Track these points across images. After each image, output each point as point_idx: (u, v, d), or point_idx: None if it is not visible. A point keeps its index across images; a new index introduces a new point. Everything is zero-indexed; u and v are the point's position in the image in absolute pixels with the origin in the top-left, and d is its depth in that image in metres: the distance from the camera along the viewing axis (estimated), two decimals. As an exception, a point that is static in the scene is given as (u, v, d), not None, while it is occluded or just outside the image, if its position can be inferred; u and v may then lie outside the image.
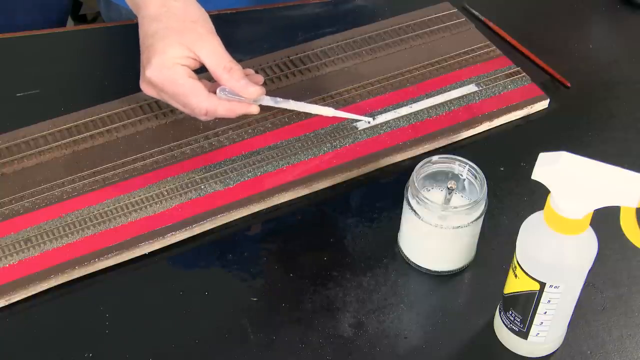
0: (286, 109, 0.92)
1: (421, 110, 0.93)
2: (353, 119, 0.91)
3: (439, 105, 0.93)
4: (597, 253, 0.66)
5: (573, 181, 0.60)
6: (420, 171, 0.77)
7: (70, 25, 1.27)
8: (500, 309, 0.73)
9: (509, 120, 0.94)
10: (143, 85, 0.82)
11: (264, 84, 0.88)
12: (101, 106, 0.92)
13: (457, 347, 0.75)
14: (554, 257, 0.65)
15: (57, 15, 1.28)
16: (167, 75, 0.80)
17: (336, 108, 0.92)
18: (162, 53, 0.79)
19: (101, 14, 1.20)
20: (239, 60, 0.97)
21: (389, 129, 0.91)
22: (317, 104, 0.93)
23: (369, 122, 0.90)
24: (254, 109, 0.84)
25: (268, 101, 0.86)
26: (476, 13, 1.07)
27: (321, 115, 0.90)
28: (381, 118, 0.92)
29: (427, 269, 0.80)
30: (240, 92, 0.82)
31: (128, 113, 0.91)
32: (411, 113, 0.92)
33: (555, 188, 0.62)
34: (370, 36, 1.01)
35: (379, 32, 1.02)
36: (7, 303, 0.76)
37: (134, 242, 0.80)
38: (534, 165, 0.62)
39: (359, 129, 0.90)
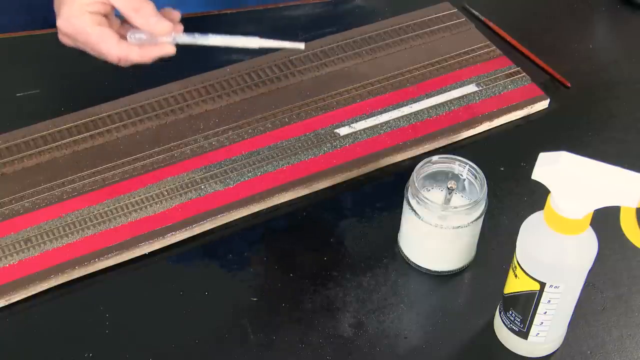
0: (287, 107, 0.92)
1: (421, 110, 0.93)
2: (282, 49, 0.84)
3: (439, 105, 0.93)
4: (597, 253, 0.66)
5: (573, 181, 0.60)
6: (420, 171, 0.77)
7: (70, 25, 1.28)
8: (500, 309, 0.73)
9: (509, 120, 0.94)
10: (59, 36, 0.81)
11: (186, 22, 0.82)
12: (101, 106, 0.92)
13: (457, 347, 0.75)
14: (554, 257, 0.65)
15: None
16: (76, 24, 0.79)
17: (336, 109, 0.92)
18: (70, 3, 0.78)
19: None
20: (239, 60, 0.98)
21: (389, 129, 0.91)
22: (316, 104, 0.93)
23: (301, 50, 0.83)
24: (169, 49, 0.80)
25: (184, 38, 0.80)
26: (476, 13, 1.07)
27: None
28: (381, 118, 0.92)
29: (427, 269, 0.80)
30: (151, 29, 0.78)
31: (128, 113, 0.91)
32: (411, 113, 0.92)
33: (555, 188, 0.62)
34: (370, 36, 1.01)
35: (379, 32, 1.02)
36: (7, 303, 0.76)
37: (134, 242, 0.80)
38: (534, 165, 0.62)
39: (358, 129, 0.90)
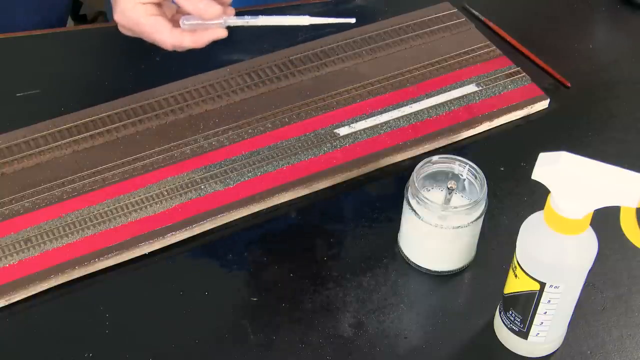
0: (287, 107, 0.92)
1: (421, 110, 0.93)
2: (335, 24, 0.83)
3: (439, 105, 0.93)
4: (597, 253, 0.66)
5: (573, 181, 0.60)
6: (420, 171, 0.77)
7: (70, 25, 1.27)
8: (500, 309, 0.73)
9: (509, 120, 0.94)
10: (119, 28, 0.83)
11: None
12: (101, 106, 0.92)
13: (457, 347, 0.75)
14: (554, 257, 0.65)
15: (57, 15, 1.28)
16: (131, 16, 0.81)
17: (336, 109, 0.92)
18: None
19: (107, 14, 1.20)
20: (239, 60, 0.98)
21: (389, 129, 0.91)
22: (316, 104, 0.93)
23: (352, 24, 0.83)
24: (221, 33, 0.81)
25: (235, 21, 0.81)
26: (476, 13, 1.07)
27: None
28: (381, 118, 0.92)
29: (427, 269, 0.80)
30: (200, 14, 0.79)
31: (128, 113, 0.91)
32: (411, 113, 0.92)
33: (555, 188, 0.62)
34: (370, 36, 1.01)
35: (379, 32, 1.02)
36: (7, 303, 0.76)
37: (134, 242, 0.80)
38: (534, 165, 0.62)
39: (358, 129, 0.90)
